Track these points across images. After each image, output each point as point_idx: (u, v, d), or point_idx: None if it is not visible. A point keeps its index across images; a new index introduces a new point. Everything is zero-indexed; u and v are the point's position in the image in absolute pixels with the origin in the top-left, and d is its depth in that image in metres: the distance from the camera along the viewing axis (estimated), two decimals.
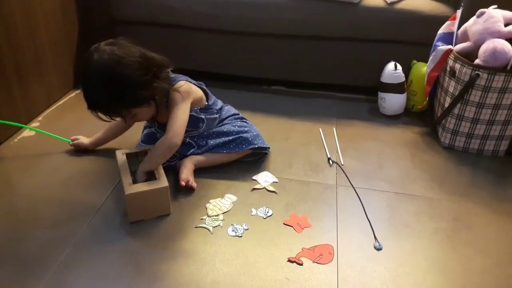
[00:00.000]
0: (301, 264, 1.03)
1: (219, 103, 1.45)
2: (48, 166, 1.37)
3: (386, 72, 1.72)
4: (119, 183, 1.28)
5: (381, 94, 1.75)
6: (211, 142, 1.35)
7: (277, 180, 1.33)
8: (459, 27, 1.54)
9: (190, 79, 1.31)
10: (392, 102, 1.72)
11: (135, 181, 1.17)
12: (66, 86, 1.84)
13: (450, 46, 1.51)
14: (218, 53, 1.92)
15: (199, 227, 1.14)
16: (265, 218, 1.18)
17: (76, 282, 0.97)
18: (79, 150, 1.44)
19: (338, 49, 1.82)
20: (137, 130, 1.44)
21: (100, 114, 1.17)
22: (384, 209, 1.23)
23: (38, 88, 1.64)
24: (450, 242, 1.12)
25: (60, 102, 1.78)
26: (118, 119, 1.24)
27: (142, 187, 1.13)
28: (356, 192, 1.29)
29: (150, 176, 1.20)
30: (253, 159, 1.41)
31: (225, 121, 1.42)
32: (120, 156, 1.25)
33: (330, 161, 1.44)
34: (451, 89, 1.47)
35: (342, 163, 1.44)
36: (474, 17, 1.46)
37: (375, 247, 1.10)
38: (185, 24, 1.84)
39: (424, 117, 1.73)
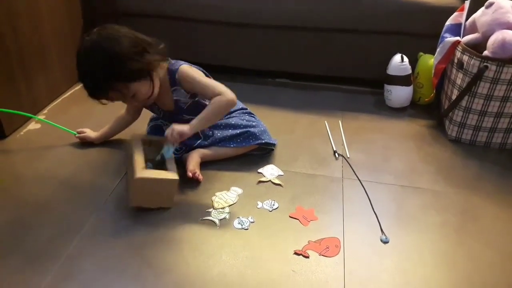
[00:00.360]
0: (307, 257, 1.03)
1: None
2: (54, 158, 1.38)
3: (392, 64, 1.71)
4: (126, 176, 1.28)
5: (387, 87, 1.74)
6: (218, 134, 1.35)
7: (282, 173, 1.33)
8: (467, 18, 1.53)
9: (191, 65, 1.32)
10: (399, 94, 1.71)
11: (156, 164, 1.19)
12: (70, 79, 1.84)
13: (457, 38, 1.49)
14: (222, 45, 1.91)
15: (205, 219, 1.14)
16: (271, 211, 1.18)
17: (83, 274, 0.97)
18: (84, 143, 1.44)
19: (344, 41, 1.81)
20: (143, 124, 1.44)
21: (102, 100, 1.18)
22: (390, 202, 1.23)
23: (43, 81, 1.64)
24: (457, 235, 1.12)
25: (65, 95, 1.78)
26: (123, 102, 1.25)
27: (154, 173, 1.12)
28: (362, 185, 1.29)
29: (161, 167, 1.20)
30: (259, 153, 1.40)
31: (233, 114, 1.42)
32: (136, 140, 1.24)
33: (336, 154, 1.43)
34: (458, 81, 1.46)
35: (348, 156, 1.43)
36: (483, 8, 1.44)
37: (381, 240, 1.09)
38: (189, 16, 1.83)
39: (431, 109, 1.72)
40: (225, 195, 1.23)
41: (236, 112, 1.43)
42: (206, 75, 1.35)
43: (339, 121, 1.64)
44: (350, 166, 1.37)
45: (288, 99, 1.80)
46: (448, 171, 1.37)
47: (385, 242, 1.09)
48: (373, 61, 1.81)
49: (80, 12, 1.84)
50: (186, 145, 1.34)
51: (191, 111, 1.30)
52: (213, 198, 1.22)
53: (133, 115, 1.42)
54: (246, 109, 1.47)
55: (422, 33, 1.72)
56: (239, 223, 1.13)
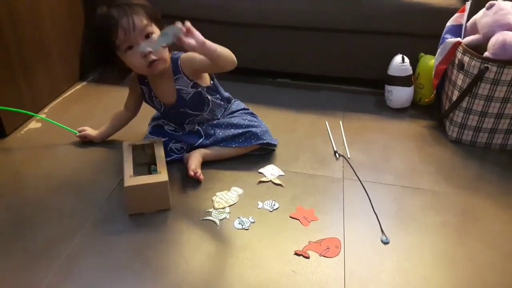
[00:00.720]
0: (307, 257, 1.03)
1: (227, 94, 1.45)
2: (55, 157, 1.38)
3: (393, 64, 1.71)
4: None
5: (388, 87, 1.74)
6: (220, 133, 1.35)
7: (283, 173, 1.33)
8: (468, 19, 1.53)
9: None
10: (399, 95, 1.71)
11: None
12: (72, 78, 1.84)
13: (458, 39, 1.49)
14: (222, 45, 1.90)
15: (205, 219, 1.14)
16: (271, 211, 1.18)
17: (83, 273, 0.98)
18: (85, 142, 1.44)
19: (344, 41, 1.81)
20: (144, 123, 1.44)
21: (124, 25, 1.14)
22: (391, 202, 1.23)
23: (44, 80, 1.64)
24: (457, 235, 1.12)
25: (66, 94, 1.78)
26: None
27: (141, 180, 1.12)
28: (362, 186, 1.29)
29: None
30: (260, 153, 1.40)
31: (235, 114, 1.42)
32: (126, 147, 1.25)
33: (337, 154, 1.44)
34: (459, 82, 1.46)
35: (349, 156, 1.43)
36: (484, 9, 1.44)
37: (382, 241, 1.09)
38: (191, 16, 1.81)
39: (431, 110, 1.72)
40: (225, 195, 1.23)
41: (238, 112, 1.43)
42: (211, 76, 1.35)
43: (340, 121, 1.64)
44: (351, 166, 1.38)
45: (289, 99, 1.80)
46: (449, 171, 1.37)
47: (386, 243, 1.09)
48: (374, 62, 1.81)
49: (82, 11, 1.84)
50: (188, 145, 1.34)
51: (193, 104, 1.30)
52: (214, 198, 1.22)
53: (132, 110, 1.42)
54: (248, 109, 1.47)
55: (423, 34, 1.72)
56: (239, 223, 1.13)
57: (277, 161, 1.39)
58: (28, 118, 1.55)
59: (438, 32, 1.59)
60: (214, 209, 1.18)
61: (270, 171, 1.34)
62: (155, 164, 1.19)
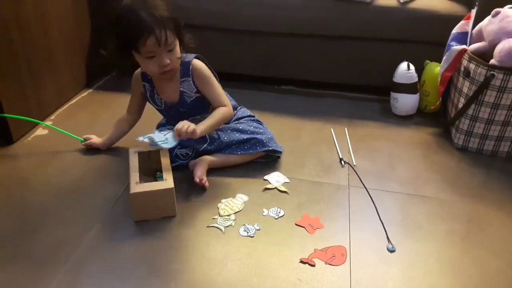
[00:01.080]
0: (313, 265, 1.03)
1: (233, 102, 1.45)
2: (61, 164, 1.38)
3: (398, 72, 1.71)
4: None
5: (393, 94, 1.74)
6: (225, 137, 1.35)
7: (288, 181, 1.33)
8: (473, 27, 1.53)
9: (202, 58, 1.35)
10: (405, 102, 1.71)
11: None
12: (78, 85, 1.85)
13: (464, 46, 1.49)
14: (228, 52, 1.92)
15: (211, 226, 1.14)
16: (276, 219, 1.18)
17: (88, 280, 0.98)
18: (91, 149, 1.45)
19: (350, 48, 1.81)
20: (149, 130, 1.44)
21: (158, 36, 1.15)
22: (396, 210, 1.23)
23: (51, 87, 1.66)
24: (463, 244, 1.11)
25: (73, 101, 1.79)
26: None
27: (147, 187, 1.13)
28: (368, 193, 1.28)
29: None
30: (265, 161, 1.40)
31: (241, 121, 1.43)
32: (132, 154, 1.25)
33: (342, 161, 1.43)
34: (465, 90, 1.46)
35: (354, 163, 1.43)
36: (489, 16, 1.44)
37: (388, 249, 1.09)
38: (195, 23, 1.84)
39: (437, 117, 1.72)
40: (231, 202, 1.23)
41: (244, 119, 1.44)
42: (216, 77, 1.36)
43: (345, 129, 1.64)
44: (356, 173, 1.37)
45: (294, 106, 1.81)
46: (455, 179, 1.37)
47: (392, 251, 1.08)
48: (380, 69, 1.81)
49: (89, 18, 1.86)
50: (193, 149, 1.34)
51: (194, 106, 1.32)
52: (219, 205, 1.22)
53: (135, 113, 1.43)
54: (254, 116, 1.47)
55: (428, 41, 1.72)
56: (245, 230, 1.13)
57: (282, 168, 1.39)
58: (35, 125, 1.56)
59: (443, 39, 1.60)
60: (219, 216, 1.18)
61: (276, 178, 1.34)
62: (161, 171, 1.20)
